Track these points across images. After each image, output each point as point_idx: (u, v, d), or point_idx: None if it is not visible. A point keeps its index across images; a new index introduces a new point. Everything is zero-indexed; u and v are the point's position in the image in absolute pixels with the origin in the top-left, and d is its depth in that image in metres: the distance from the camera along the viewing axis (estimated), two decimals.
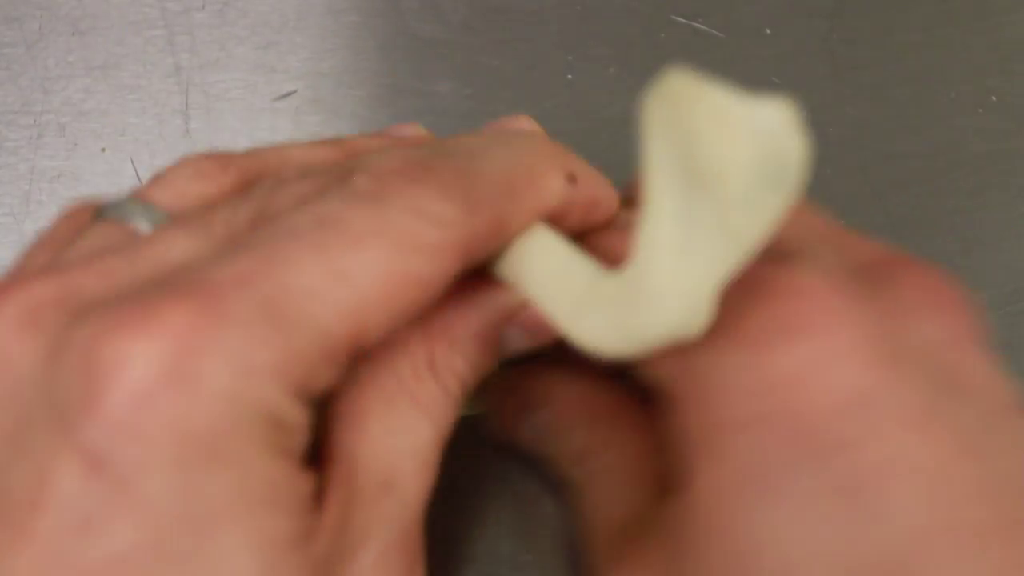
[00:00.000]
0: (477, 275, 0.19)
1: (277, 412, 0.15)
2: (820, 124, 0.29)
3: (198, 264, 0.15)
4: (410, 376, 0.18)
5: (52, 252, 0.18)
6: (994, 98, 0.29)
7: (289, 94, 0.29)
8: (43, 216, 0.27)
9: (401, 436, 0.17)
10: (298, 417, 0.15)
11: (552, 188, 0.18)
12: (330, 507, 0.16)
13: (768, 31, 0.30)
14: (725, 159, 0.14)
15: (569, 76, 0.30)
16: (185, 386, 0.14)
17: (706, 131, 0.14)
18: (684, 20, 0.30)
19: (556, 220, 0.19)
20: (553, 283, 0.18)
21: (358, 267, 0.15)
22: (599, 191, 0.20)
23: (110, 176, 0.28)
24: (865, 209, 0.28)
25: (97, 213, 0.18)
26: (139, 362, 0.14)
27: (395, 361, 0.18)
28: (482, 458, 0.25)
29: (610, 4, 0.31)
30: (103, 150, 0.28)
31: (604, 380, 0.22)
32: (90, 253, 0.17)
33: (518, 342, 0.19)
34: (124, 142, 0.28)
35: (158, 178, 0.19)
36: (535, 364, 0.22)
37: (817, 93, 0.29)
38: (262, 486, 0.14)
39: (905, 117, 0.29)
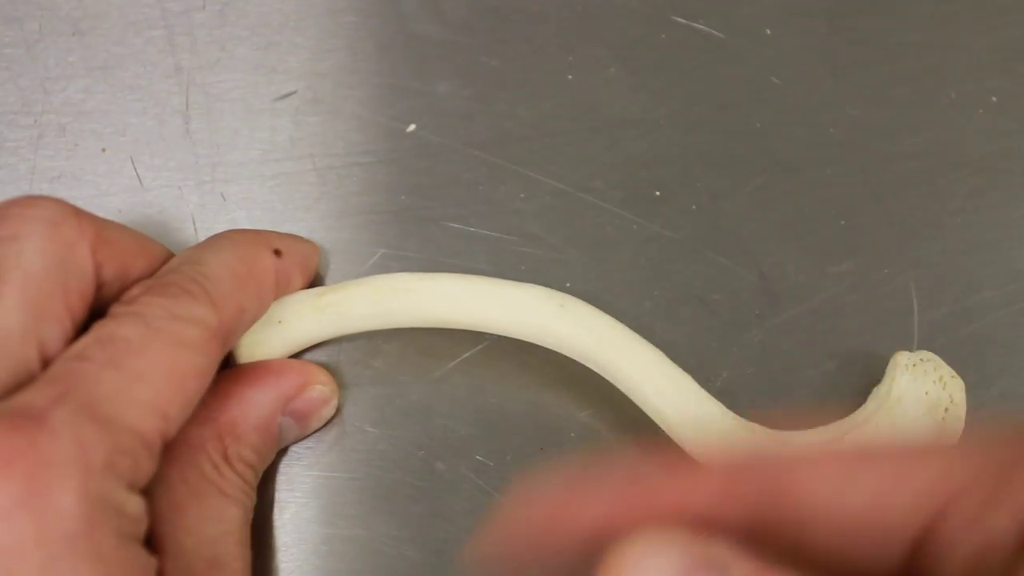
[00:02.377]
0: (253, 375, 0.23)
1: (117, 503, 0.17)
2: (820, 124, 0.29)
3: (12, 397, 0.17)
4: (211, 471, 0.21)
5: None
6: (994, 98, 0.29)
7: (289, 94, 0.29)
8: None
9: (215, 523, 0.21)
10: (135, 506, 0.17)
11: (266, 266, 0.23)
12: None
13: (768, 31, 0.30)
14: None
15: (569, 76, 0.30)
16: (38, 496, 0.16)
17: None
18: (684, 20, 0.30)
19: (283, 287, 0.24)
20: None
21: (147, 370, 0.18)
22: (302, 250, 0.25)
23: (110, 176, 0.28)
24: (865, 209, 0.28)
25: None
26: None
27: (197, 460, 0.21)
28: (479, 461, 0.25)
29: (610, 4, 0.31)
30: (103, 150, 0.28)
31: None
32: None
33: (292, 431, 0.24)
34: (124, 142, 0.28)
35: None
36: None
37: (817, 93, 0.29)
38: (118, 570, 0.16)
39: (905, 117, 0.29)
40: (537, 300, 0.24)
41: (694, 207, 0.28)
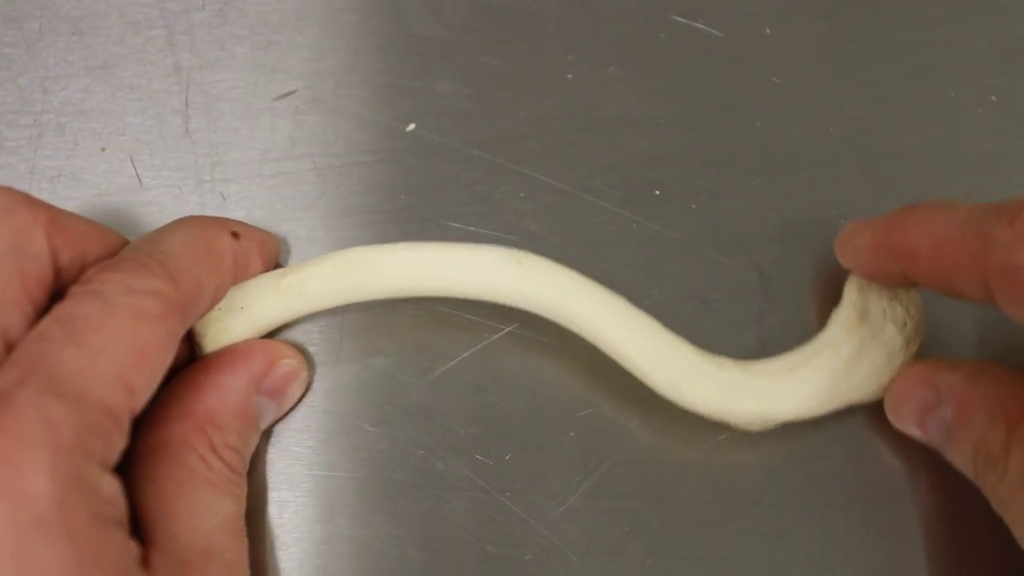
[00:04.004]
0: (221, 362, 0.23)
1: (89, 482, 0.17)
2: (820, 124, 0.29)
3: None
4: (199, 464, 0.21)
5: None
6: (994, 98, 0.29)
7: (289, 94, 0.29)
8: None
9: (207, 515, 0.21)
10: (109, 486, 0.17)
11: (223, 244, 0.23)
12: (157, 573, 0.18)
13: (768, 31, 0.30)
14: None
15: (569, 76, 0.30)
16: (7, 476, 0.15)
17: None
18: (684, 20, 0.30)
19: (241, 269, 0.24)
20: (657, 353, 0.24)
21: (108, 345, 0.18)
22: (260, 235, 0.25)
23: (110, 176, 0.28)
24: (865, 209, 0.28)
25: None
26: None
27: (182, 456, 0.21)
28: (479, 461, 0.25)
29: (610, 4, 0.31)
30: (103, 150, 0.28)
31: None
32: None
33: (270, 410, 0.24)
34: (124, 142, 0.28)
35: None
36: (949, 361, 0.23)
37: (817, 93, 0.29)
38: (99, 550, 0.16)
39: (905, 117, 0.29)
40: (496, 259, 0.24)
41: (694, 206, 0.28)
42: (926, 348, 0.25)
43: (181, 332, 0.21)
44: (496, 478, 0.25)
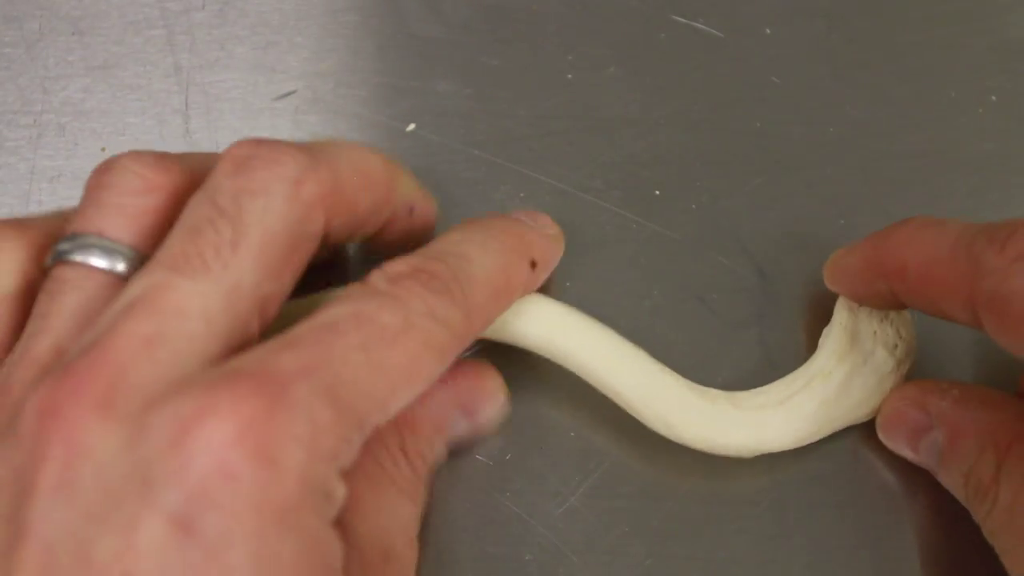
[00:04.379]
0: None
1: (328, 487, 0.17)
2: (820, 124, 0.29)
3: (258, 351, 0.17)
4: (389, 463, 0.21)
5: (40, 318, 0.19)
6: (994, 98, 0.29)
7: (289, 94, 0.29)
8: None
9: (389, 515, 0.20)
10: (340, 490, 0.17)
11: (520, 279, 0.22)
12: (352, 571, 0.18)
13: (768, 31, 0.30)
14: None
15: (569, 76, 0.30)
16: (265, 466, 0.16)
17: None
18: (684, 20, 0.30)
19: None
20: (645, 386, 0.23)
21: (391, 363, 0.18)
22: (554, 257, 0.24)
23: None
24: (865, 209, 0.28)
25: (55, 256, 0.19)
26: (225, 443, 0.15)
27: (375, 451, 0.21)
28: (479, 461, 0.25)
29: (610, 4, 0.31)
30: (103, 150, 0.28)
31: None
32: (85, 315, 0.18)
33: (462, 428, 0.24)
34: (124, 142, 0.28)
35: (97, 194, 0.20)
36: (939, 384, 0.23)
37: (817, 93, 0.29)
38: (320, 551, 0.17)
39: (905, 117, 0.29)
40: None
41: (694, 206, 0.28)
42: (921, 365, 0.25)
43: (445, 370, 0.20)
44: (496, 478, 0.25)
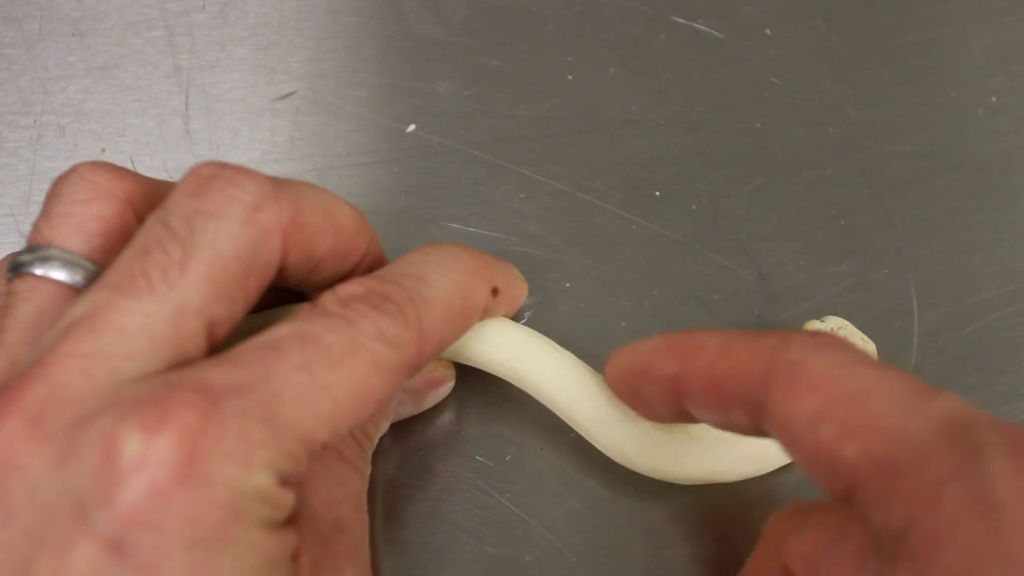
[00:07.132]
0: None
1: (269, 496, 0.17)
2: (820, 124, 0.29)
3: (195, 367, 0.17)
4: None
5: None
6: (994, 98, 0.29)
7: (289, 94, 0.29)
8: None
9: (338, 487, 0.21)
10: (287, 496, 0.17)
11: (478, 303, 0.22)
12: (304, 550, 0.18)
13: (768, 31, 0.30)
14: None
15: (569, 76, 0.30)
16: (196, 482, 0.16)
17: None
18: (684, 20, 0.30)
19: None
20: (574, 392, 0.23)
21: (336, 383, 0.18)
22: (515, 289, 0.24)
23: None
24: (865, 209, 0.28)
25: (11, 268, 0.19)
26: (153, 460, 0.15)
27: None
28: (479, 461, 0.25)
29: (610, 4, 0.31)
30: (103, 150, 0.28)
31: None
32: (35, 325, 0.19)
33: (407, 406, 0.24)
34: (124, 142, 0.28)
35: (53, 204, 0.20)
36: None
37: (817, 93, 0.30)
38: (263, 557, 0.17)
39: (905, 117, 0.29)
40: None
41: (694, 207, 0.28)
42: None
43: (398, 390, 0.20)
44: (496, 478, 0.25)
